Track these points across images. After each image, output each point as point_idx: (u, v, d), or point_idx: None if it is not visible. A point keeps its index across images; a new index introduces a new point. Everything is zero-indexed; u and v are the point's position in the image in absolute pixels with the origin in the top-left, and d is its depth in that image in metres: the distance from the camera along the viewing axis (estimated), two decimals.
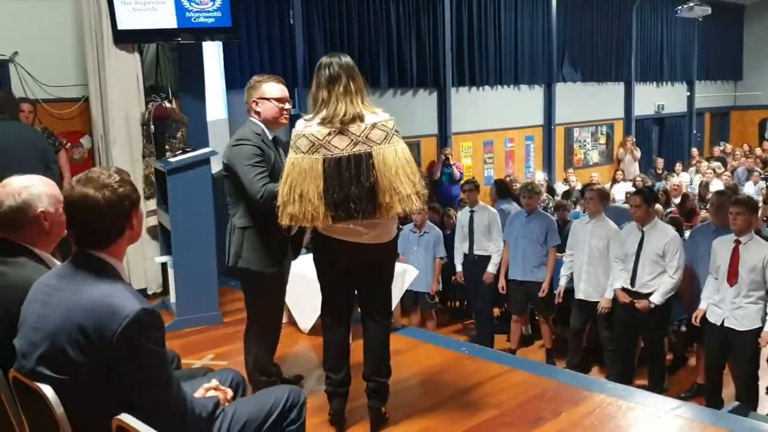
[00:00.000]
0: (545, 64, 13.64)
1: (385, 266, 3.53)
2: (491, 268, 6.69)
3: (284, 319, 4.91)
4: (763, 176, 12.34)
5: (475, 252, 6.80)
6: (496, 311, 7.80)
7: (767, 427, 3.67)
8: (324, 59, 3.31)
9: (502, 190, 8.56)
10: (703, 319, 5.21)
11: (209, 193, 5.45)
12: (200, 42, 6.46)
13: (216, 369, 3.07)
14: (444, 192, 11.33)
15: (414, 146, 11.33)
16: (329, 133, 3.16)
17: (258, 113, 3.60)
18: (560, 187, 12.70)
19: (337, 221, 3.19)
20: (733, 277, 4.93)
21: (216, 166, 5.46)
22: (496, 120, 12.98)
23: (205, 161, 5.44)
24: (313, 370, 4.48)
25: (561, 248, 6.64)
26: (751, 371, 5.09)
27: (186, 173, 5.37)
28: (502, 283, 6.73)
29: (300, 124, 3.26)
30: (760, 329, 4.87)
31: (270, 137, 3.61)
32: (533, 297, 6.54)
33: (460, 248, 6.94)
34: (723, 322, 5.01)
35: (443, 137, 11.90)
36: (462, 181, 8.85)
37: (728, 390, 5.30)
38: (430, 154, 11.78)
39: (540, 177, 12.91)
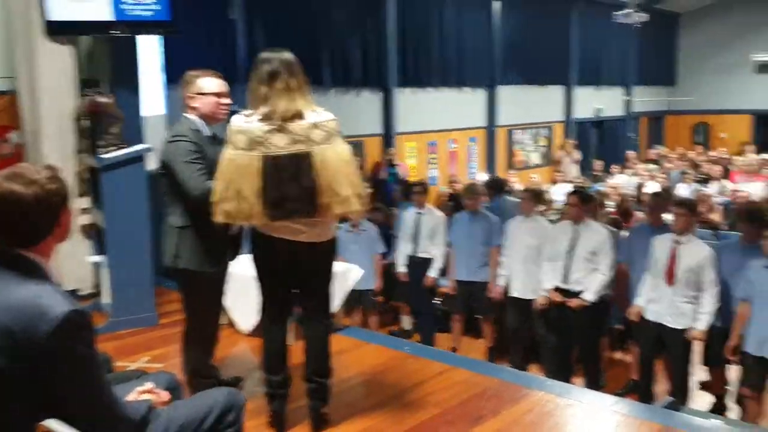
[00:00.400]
0: (488, 67, 13.78)
1: (325, 265, 3.47)
2: (433, 273, 6.70)
3: (223, 320, 4.82)
4: (695, 179, 12.70)
5: (419, 254, 6.80)
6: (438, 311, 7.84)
7: (699, 421, 3.78)
8: (264, 54, 3.23)
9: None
10: (638, 315, 5.33)
11: (144, 191, 5.30)
12: (135, 36, 6.27)
13: (151, 371, 2.98)
14: (388, 192, 11.31)
15: (358, 146, 11.30)
16: (269, 131, 3.08)
17: (195, 108, 3.51)
18: None
19: (273, 221, 3.14)
20: (670, 276, 5.05)
21: (152, 163, 5.31)
22: (439, 121, 13.06)
23: (139, 158, 5.29)
24: (252, 372, 4.38)
25: None
26: (685, 368, 5.23)
27: (120, 170, 5.20)
28: (448, 284, 6.78)
29: (238, 120, 3.17)
30: (694, 328, 5.01)
31: (207, 133, 3.51)
32: (476, 297, 6.57)
33: (404, 249, 6.92)
34: (659, 319, 5.13)
35: (387, 137, 11.89)
36: (409, 182, 8.88)
37: (661, 386, 5.43)
38: (375, 154, 11.76)
39: (483, 177, 13.02)
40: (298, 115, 3.11)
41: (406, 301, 8.06)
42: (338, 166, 3.11)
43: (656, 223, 5.67)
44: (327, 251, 3.42)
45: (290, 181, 3.07)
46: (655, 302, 5.18)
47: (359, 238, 6.76)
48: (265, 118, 3.10)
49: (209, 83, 3.53)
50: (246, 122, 3.14)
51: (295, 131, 3.09)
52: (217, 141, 3.54)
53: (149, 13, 6.01)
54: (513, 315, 6.27)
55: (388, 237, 7.37)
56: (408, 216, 6.97)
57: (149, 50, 6.95)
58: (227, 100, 3.59)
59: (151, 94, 7.00)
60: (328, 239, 3.38)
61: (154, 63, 7.24)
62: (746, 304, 4.79)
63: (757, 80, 18.74)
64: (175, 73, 8.02)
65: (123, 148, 5.40)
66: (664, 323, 5.11)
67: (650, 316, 5.21)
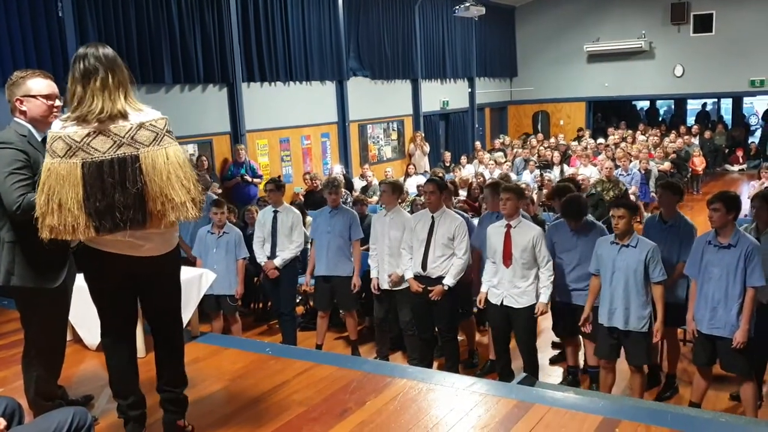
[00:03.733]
0: (335, 61, 13.80)
1: (168, 278, 3.28)
2: (278, 261, 6.57)
3: (69, 336, 4.52)
4: (537, 165, 13.45)
5: (278, 254, 6.68)
6: (300, 309, 7.80)
7: (551, 394, 3.98)
8: (80, 50, 2.98)
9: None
10: (482, 300, 5.57)
11: None
12: None
13: None
14: (241, 192, 11.07)
15: (206, 145, 10.96)
16: (88, 134, 2.85)
17: (24, 113, 3.22)
18: (358, 183, 12.96)
19: (101, 233, 2.89)
20: (507, 259, 5.33)
21: None
22: (291, 117, 12.92)
23: None
24: (103, 388, 4.12)
25: (364, 241, 6.76)
26: (530, 343, 5.55)
27: None
28: (307, 280, 6.73)
29: (56, 125, 2.93)
30: (535, 305, 5.30)
31: (39, 138, 3.22)
32: (338, 291, 6.57)
33: (262, 249, 6.77)
34: (502, 301, 5.39)
35: (237, 135, 11.61)
36: (263, 181, 8.69)
37: (518, 363, 5.69)
38: (224, 153, 11.44)
39: (338, 170, 13.09)
40: (120, 115, 2.90)
41: (267, 302, 7.97)
42: (170, 170, 2.89)
43: (495, 209, 5.91)
44: (169, 264, 3.23)
45: (115, 188, 2.84)
46: (497, 286, 5.44)
47: (220, 241, 6.53)
48: (81, 120, 2.87)
49: (38, 84, 3.24)
50: (64, 127, 2.90)
51: (118, 133, 2.87)
52: None
53: None
54: (379, 306, 6.34)
55: (245, 239, 7.20)
56: (264, 215, 6.83)
57: None
58: (58, 102, 3.30)
59: None
60: (170, 250, 3.18)
61: None
62: (597, 277, 5.10)
63: (589, 69, 20.15)
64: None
65: None
66: (508, 304, 5.37)
67: (494, 299, 5.46)
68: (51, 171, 2.84)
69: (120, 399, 3.29)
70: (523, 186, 7.26)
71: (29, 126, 3.22)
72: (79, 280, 3.56)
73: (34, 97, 3.22)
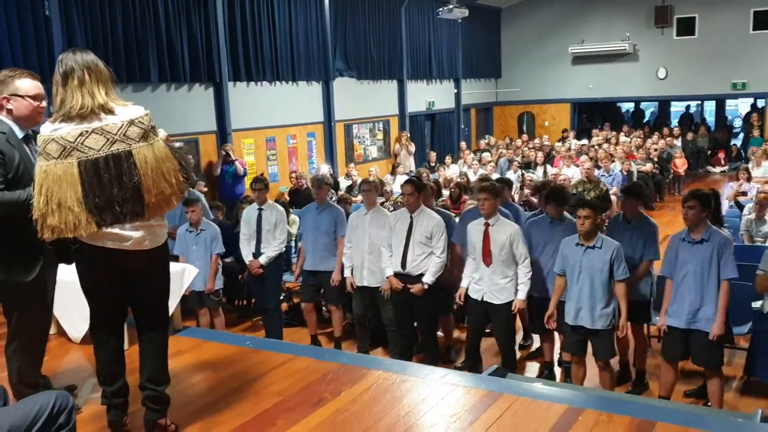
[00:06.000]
0: (321, 61, 13.94)
1: (159, 273, 3.36)
2: (262, 259, 6.71)
3: (53, 330, 4.62)
4: (519, 165, 13.62)
5: (263, 251, 6.79)
6: (284, 306, 7.92)
7: (518, 384, 4.13)
8: (60, 56, 3.10)
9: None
10: (462, 297, 5.73)
11: None
12: None
13: None
14: (227, 190, 11.19)
15: (192, 144, 11.05)
16: (81, 134, 2.95)
17: (10, 111, 3.32)
18: (343, 182, 13.09)
19: (102, 227, 3.00)
20: (486, 257, 5.49)
21: None
22: (277, 117, 13.05)
23: None
24: (87, 379, 4.24)
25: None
26: (508, 338, 5.70)
27: None
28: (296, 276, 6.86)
29: (46, 128, 3.03)
30: (513, 300, 5.46)
31: (20, 135, 3.33)
32: (324, 286, 6.71)
33: (248, 246, 6.89)
34: (483, 297, 5.53)
35: (223, 134, 11.71)
36: (249, 178, 8.80)
37: (494, 360, 5.84)
38: (210, 152, 11.55)
39: (325, 169, 13.21)
40: (102, 109, 3.00)
41: (251, 299, 8.09)
42: (159, 165, 3.04)
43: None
44: (155, 260, 3.28)
45: (113, 183, 2.95)
46: (478, 282, 5.59)
47: (199, 238, 6.65)
48: (66, 118, 2.98)
49: (26, 84, 3.34)
50: (55, 129, 2.99)
51: (110, 131, 2.98)
52: (33, 141, 3.37)
53: None
54: (359, 302, 6.47)
55: (233, 236, 7.31)
56: (249, 213, 6.94)
57: None
58: (44, 103, 3.42)
59: None
60: (156, 246, 3.24)
61: None
62: (561, 277, 5.24)
63: (573, 71, 20.38)
64: None
65: None
66: (488, 300, 5.52)
67: (475, 295, 5.62)
68: (47, 173, 2.94)
69: (106, 386, 3.38)
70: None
71: (11, 123, 3.31)
72: (62, 274, 3.68)
73: (21, 96, 3.32)
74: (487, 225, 5.53)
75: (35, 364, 3.59)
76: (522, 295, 5.48)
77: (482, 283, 5.56)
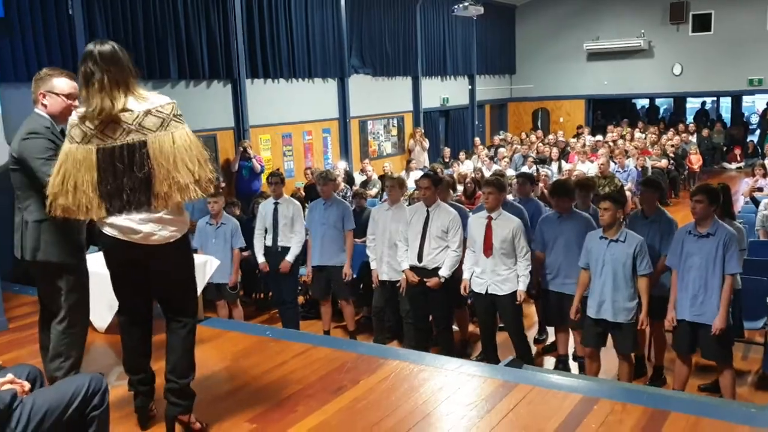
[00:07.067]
0: (337, 58, 14.02)
1: (172, 267, 3.33)
2: (289, 257, 6.83)
3: None
4: (534, 160, 13.66)
5: (279, 243, 6.90)
6: (301, 299, 8.01)
7: (534, 374, 4.20)
8: (86, 49, 3.12)
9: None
10: (466, 289, 5.81)
11: None
12: None
13: (9, 366, 2.95)
14: (244, 186, 11.30)
15: (210, 140, 11.16)
16: (101, 122, 3.04)
17: (45, 106, 3.50)
18: (358, 177, 13.17)
19: (111, 213, 3.07)
20: (488, 249, 5.56)
21: None
22: (293, 113, 13.14)
23: None
24: (113, 367, 4.38)
25: (357, 233, 6.98)
26: (518, 327, 5.77)
27: None
28: (309, 271, 6.94)
29: (74, 115, 3.15)
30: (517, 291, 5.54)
31: (58, 129, 3.52)
32: (334, 280, 6.80)
33: (261, 239, 7.00)
34: (487, 290, 5.61)
35: (240, 130, 11.83)
36: (265, 174, 8.92)
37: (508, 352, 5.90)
38: (228, 148, 11.67)
39: (342, 166, 13.31)
40: (122, 110, 3.03)
41: (269, 292, 8.19)
42: (177, 153, 3.04)
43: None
44: (174, 252, 3.28)
45: (125, 172, 3.03)
46: (480, 275, 5.67)
47: (219, 231, 6.76)
48: (85, 119, 3.05)
49: (62, 83, 3.53)
50: (79, 116, 3.10)
51: (127, 122, 3.03)
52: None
53: None
54: (379, 296, 6.56)
55: (251, 230, 7.41)
56: (265, 207, 7.04)
57: None
58: (77, 102, 3.54)
59: None
60: (174, 239, 3.22)
61: None
62: (586, 271, 5.28)
63: (588, 67, 20.33)
64: (7, 71, 7.74)
65: None
66: (492, 292, 5.61)
67: (479, 288, 5.69)
68: (68, 155, 3.07)
69: (131, 374, 3.48)
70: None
71: (49, 118, 3.49)
72: (89, 265, 3.80)
73: (56, 94, 3.51)
74: (489, 218, 5.60)
75: (82, 342, 3.70)
76: (523, 286, 5.56)
77: (485, 275, 5.63)
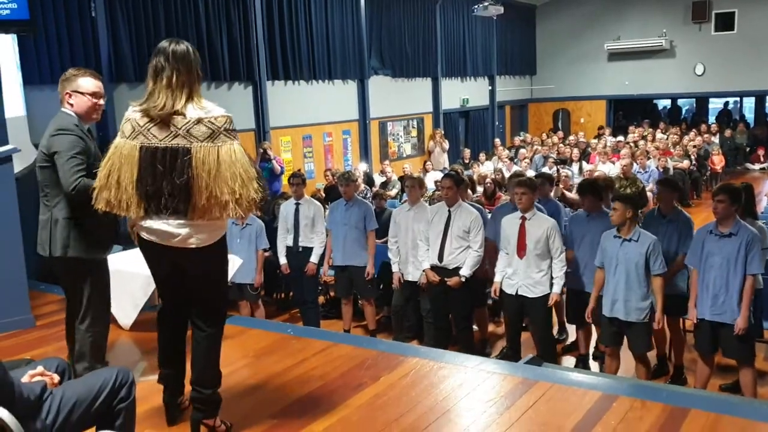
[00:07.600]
0: (357, 60, 14.10)
1: (209, 272, 3.27)
2: (313, 258, 6.89)
3: None
4: (555, 161, 13.62)
5: (300, 244, 6.97)
6: (321, 299, 8.07)
7: (553, 372, 4.21)
8: (160, 44, 3.14)
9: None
10: (497, 291, 5.80)
11: (13, 193, 5.17)
12: None
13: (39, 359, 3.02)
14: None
15: None
16: (150, 120, 3.04)
17: (71, 105, 3.56)
18: (378, 178, 13.23)
19: (149, 214, 3.07)
20: (521, 250, 5.55)
21: (18, 165, 5.18)
22: (313, 115, 13.24)
23: (6, 159, 5.15)
24: (137, 363, 4.45)
25: (377, 234, 7.02)
26: (547, 332, 5.76)
27: None
28: (325, 270, 6.98)
29: (130, 108, 3.17)
30: (549, 294, 5.52)
31: (85, 128, 3.58)
32: (356, 280, 6.85)
33: (284, 240, 7.07)
34: (517, 291, 5.61)
35: (261, 132, 11.93)
36: (287, 175, 9.01)
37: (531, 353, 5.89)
38: (248, 149, 11.70)
39: (363, 168, 13.38)
40: (178, 112, 3.03)
41: (289, 292, 8.26)
42: (220, 168, 3.00)
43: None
44: (211, 257, 3.23)
45: (164, 175, 3.00)
46: (512, 276, 5.66)
47: (244, 232, 6.83)
48: (145, 112, 3.07)
49: (87, 83, 3.59)
50: (133, 111, 3.13)
51: (176, 125, 3.02)
52: (92, 137, 3.63)
53: (6, 12, 5.83)
54: (399, 295, 6.60)
55: (272, 231, 7.48)
56: (286, 208, 7.11)
57: (4, 50, 6.71)
58: (102, 102, 3.64)
59: (10, 95, 6.76)
60: (212, 243, 3.18)
61: (10, 63, 7.00)
62: (601, 270, 5.28)
63: (609, 67, 20.23)
64: (32, 73, 7.89)
65: None
66: (523, 294, 5.59)
67: (509, 290, 5.68)
68: (117, 148, 3.09)
69: (162, 367, 3.52)
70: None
71: (76, 117, 3.55)
72: (114, 263, 3.88)
73: (82, 93, 3.57)
74: (523, 219, 5.58)
75: (105, 339, 3.77)
76: (557, 288, 5.52)
77: (516, 277, 5.62)
